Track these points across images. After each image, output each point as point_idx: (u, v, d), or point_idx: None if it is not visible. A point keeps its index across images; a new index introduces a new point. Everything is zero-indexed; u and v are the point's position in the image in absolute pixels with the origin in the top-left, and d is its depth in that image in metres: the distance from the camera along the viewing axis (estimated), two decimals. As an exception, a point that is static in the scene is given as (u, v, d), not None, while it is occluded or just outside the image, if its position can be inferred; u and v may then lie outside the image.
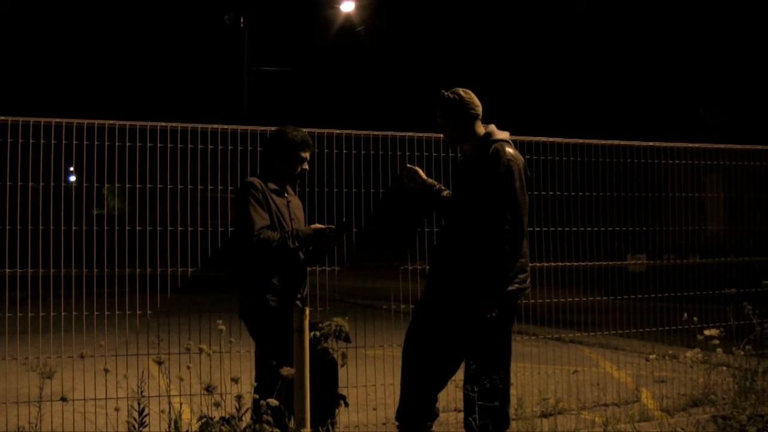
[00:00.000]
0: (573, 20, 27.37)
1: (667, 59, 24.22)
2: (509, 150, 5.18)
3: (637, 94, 24.95)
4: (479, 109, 5.35)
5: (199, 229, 6.02)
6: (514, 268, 5.11)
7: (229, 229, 5.87)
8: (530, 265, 5.40)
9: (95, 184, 6.11)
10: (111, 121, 5.83)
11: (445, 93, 5.36)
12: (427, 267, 5.88)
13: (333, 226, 5.18)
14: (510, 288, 5.11)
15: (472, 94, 5.37)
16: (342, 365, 4.90)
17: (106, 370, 4.96)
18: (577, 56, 27.00)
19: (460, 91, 5.36)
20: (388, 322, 6.55)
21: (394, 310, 6.56)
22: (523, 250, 5.20)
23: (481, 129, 5.34)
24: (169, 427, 4.48)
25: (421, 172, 5.63)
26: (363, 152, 6.39)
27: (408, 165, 5.72)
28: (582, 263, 7.20)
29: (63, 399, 4.89)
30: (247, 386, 4.35)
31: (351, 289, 15.55)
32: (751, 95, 21.89)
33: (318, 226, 5.21)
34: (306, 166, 5.33)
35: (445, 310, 5.18)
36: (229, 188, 5.72)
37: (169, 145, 5.94)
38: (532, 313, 6.90)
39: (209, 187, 6.11)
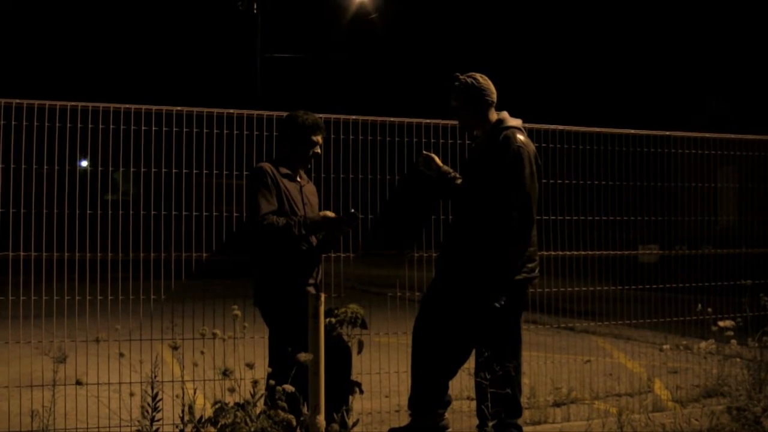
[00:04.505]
0: (584, 10, 27.23)
1: (677, 48, 24.06)
2: (520, 137, 5.13)
3: (647, 83, 24.81)
4: (494, 96, 5.31)
5: (214, 214, 6.02)
6: (521, 256, 5.08)
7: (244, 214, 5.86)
8: (542, 254, 5.36)
9: (110, 168, 6.12)
10: (126, 105, 5.82)
11: (461, 76, 5.31)
12: (435, 255, 5.85)
13: (343, 216, 5.13)
14: (518, 277, 5.09)
15: (488, 80, 5.33)
16: (359, 353, 4.89)
17: (121, 354, 4.97)
18: (590, 45, 26.86)
19: (477, 75, 5.31)
20: (401, 309, 6.53)
21: (405, 297, 6.55)
22: (532, 239, 5.17)
23: (493, 116, 5.30)
24: (183, 412, 4.48)
25: (436, 159, 5.59)
26: (379, 138, 6.35)
27: (424, 152, 5.69)
28: (594, 252, 7.16)
29: (78, 383, 4.90)
30: (260, 372, 4.35)
31: (364, 277, 15.57)
32: (759, 85, 21.70)
33: (327, 213, 5.18)
34: (318, 150, 5.30)
35: (455, 298, 5.16)
36: (245, 173, 5.70)
37: (184, 130, 5.93)
38: (546, 302, 6.88)
39: (224, 172, 6.09)
